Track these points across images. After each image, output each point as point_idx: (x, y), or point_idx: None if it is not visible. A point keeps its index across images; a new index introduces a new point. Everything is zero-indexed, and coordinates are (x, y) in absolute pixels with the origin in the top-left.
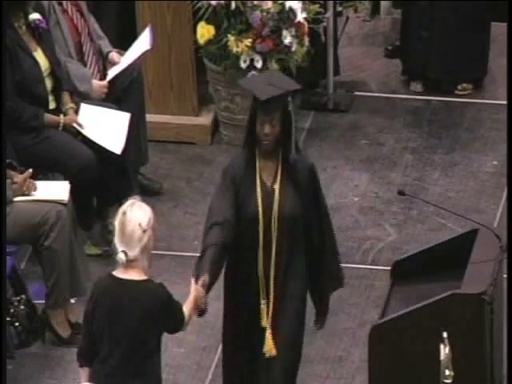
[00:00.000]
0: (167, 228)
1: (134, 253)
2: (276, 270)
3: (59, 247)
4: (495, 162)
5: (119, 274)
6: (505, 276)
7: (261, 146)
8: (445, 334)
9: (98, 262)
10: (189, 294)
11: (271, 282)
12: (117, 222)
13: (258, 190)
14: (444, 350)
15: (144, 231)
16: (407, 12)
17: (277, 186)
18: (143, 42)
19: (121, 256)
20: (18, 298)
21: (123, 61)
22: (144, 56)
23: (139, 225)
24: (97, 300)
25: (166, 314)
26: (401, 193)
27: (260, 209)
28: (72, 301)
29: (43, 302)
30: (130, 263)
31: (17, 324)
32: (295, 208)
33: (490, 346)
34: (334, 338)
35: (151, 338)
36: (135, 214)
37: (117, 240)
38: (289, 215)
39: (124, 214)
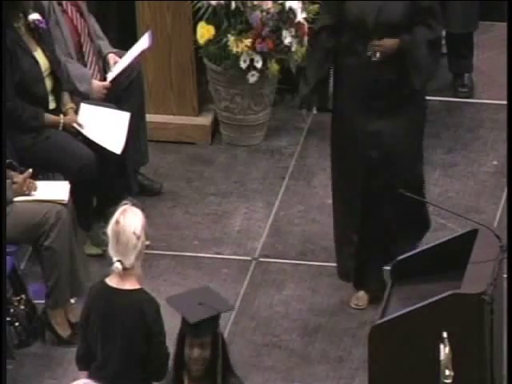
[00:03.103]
0: (167, 228)
1: (129, 261)
2: None
3: (59, 247)
4: (495, 162)
5: (112, 282)
6: (505, 276)
7: (190, 372)
8: (445, 334)
9: (98, 262)
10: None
11: None
12: (110, 232)
13: None
14: (444, 350)
15: (138, 238)
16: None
17: None
18: (142, 45)
19: (117, 265)
20: (18, 298)
21: (121, 63)
22: (142, 56)
23: (134, 233)
24: (91, 305)
25: (149, 332)
26: (401, 193)
27: None
28: (72, 301)
29: (43, 302)
30: (125, 271)
31: (17, 324)
32: None
33: (490, 346)
34: (334, 338)
35: (145, 349)
36: (129, 222)
37: (111, 249)
38: None
39: (117, 223)
